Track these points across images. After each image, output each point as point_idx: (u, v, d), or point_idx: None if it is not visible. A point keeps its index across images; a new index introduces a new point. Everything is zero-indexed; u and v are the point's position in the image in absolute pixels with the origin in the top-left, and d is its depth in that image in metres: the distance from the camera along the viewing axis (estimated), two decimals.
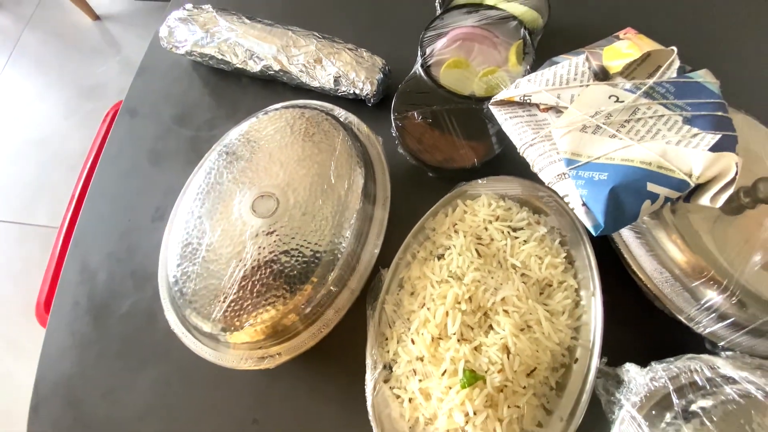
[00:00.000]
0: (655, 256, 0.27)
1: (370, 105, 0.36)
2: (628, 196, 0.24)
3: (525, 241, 0.29)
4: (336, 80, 0.35)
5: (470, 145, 0.32)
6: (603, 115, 0.26)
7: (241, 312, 0.24)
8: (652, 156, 0.24)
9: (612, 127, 0.26)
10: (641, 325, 0.29)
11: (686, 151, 0.24)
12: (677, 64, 0.28)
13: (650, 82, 0.27)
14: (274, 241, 0.25)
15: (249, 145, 0.28)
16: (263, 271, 0.25)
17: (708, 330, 0.26)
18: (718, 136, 0.24)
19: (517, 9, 0.35)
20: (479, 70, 0.33)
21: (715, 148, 0.23)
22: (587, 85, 0.28)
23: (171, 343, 0.29)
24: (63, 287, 0.34)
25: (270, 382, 0.29)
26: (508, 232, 0.30)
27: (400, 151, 0.33)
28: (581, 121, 0.26)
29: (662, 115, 0.26)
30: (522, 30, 0.33)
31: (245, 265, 0.25)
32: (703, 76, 0.27)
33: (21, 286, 1.00)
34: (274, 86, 0.38)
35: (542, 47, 0.36)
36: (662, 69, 0.27)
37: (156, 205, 0.35)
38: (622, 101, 0.27)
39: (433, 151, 0.32)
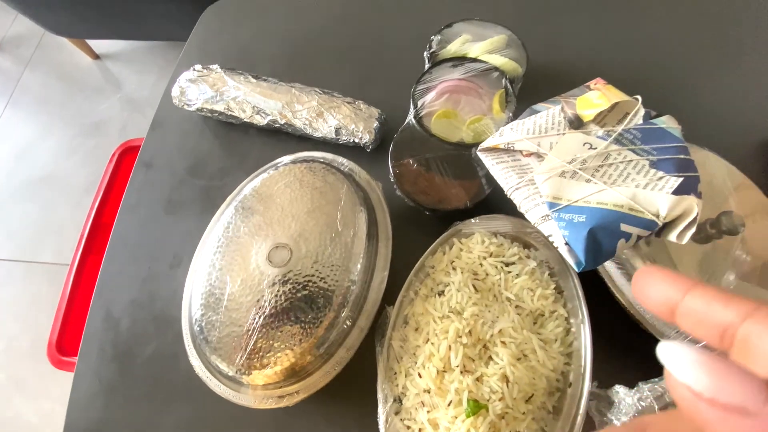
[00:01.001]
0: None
1: (368, 151, 0.39)
2: (604, 236, 0.27)
3: (517, 274, 0.32)
4: (337, 131, 0.38)
5: (462, 187, 0.35)
6: (579, 161, 0.29)
7: (262, 356, 0.27)
8: (624, 199, 0.27)
9: (587, 172, 0.29)
10: (629, 348, 0.32)
11: (653, 194, 0.27)
12: (642, 111, 0.31)
13: (619, 129, 0.30)
14: (289, 289, 0.28)
15: (262, 200, 0.31)
16: (281, 317, 0.27)
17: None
18: (680, 179, 0.27)
19: (498, 60, 0.39)
20: (466, 118, 0.36)
21: (678, 191, 0.27)
22: (564, 134, 0.31)
23: (193, 383, 0.32)
24: (88, 335, 0.36)
25: (290, 420, 0.31)
26: (502, 267, 0.32)
27: (398, 193, 0.36)
28: (560, 167, 0.30)
29: (631, 160, 0.29)
30: (503, 80, 0.37)
31: (264, 312, 0.27)
32: (666, 122, 0.31)
33: (29, 325, 1.01)
34: (280, 136, 0.41)
35: (523, 94, 0.40)
36: (629, 117, 0.31)
37: (174, 252, 0.38)
38: (595, 148, 0.30)
39: (429, 194, 0.35)
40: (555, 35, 0.45)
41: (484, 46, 0.40)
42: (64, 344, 0.71)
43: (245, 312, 0.28)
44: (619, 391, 0.28)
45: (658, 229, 0.27)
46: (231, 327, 0.28)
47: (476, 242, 0.33)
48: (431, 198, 0.35)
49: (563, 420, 0.28)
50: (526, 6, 0.47)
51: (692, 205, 0.26)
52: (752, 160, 0.38)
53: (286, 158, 0.35)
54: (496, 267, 0.32)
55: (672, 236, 0.27)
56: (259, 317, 0.27)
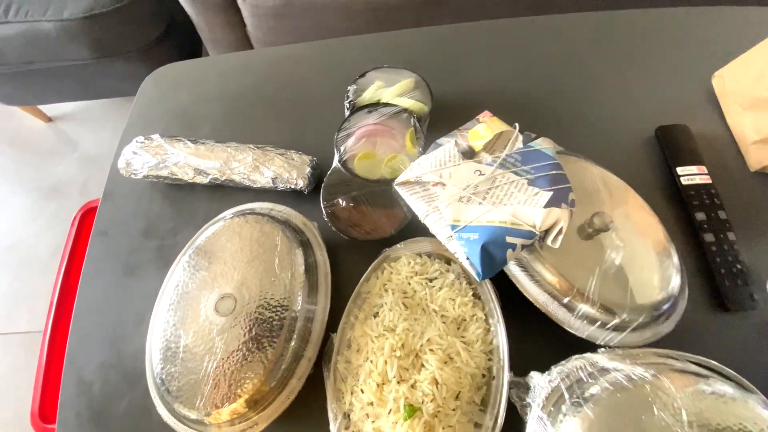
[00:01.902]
0: (536, 283, 0.35)
1: (306, 194, 0.44)
2: (495, 248, 0.32)
3: (440, 287, 0.37)
4: (274, 180, 0.42)
5: (388, 217, 0.40)
6: (472, 187, 0.35)
7: (219, 397, 0.30)
8: (507, 216, 0.32)
9: (479, 196, 0.34)
10: (541, 337, 0.36)
11: (529, 209, 0.32)
12: (520, 137, 0.37)
13: (503, 155, 0.36)
14: (237, 333, 0.32)
15: (206, 256, 0.35)
16: (232, 360, 0.31)
17: (585, 333, 0.34)
18: (551, 193, 0.32)
19: (407, 102, 0.44)
20: (384, 157, 0.42)
21: (548, 204, 0.32)
22: (458, 164, 0.36)
23: (166, 431, 0.35)
24: (64, 402, 0.38)
25: None
26: (426, 283, 0.37)
27: (334, 230, 0.41)
28: (458, 194, 0.35)
29: (513, 181, 0.35)
30: (412, 119, 0.43)
31: (216, 357, 0.31)
32: (541, 144, 0.36)
33: (11, 396, 0.99)
34: (225, 190, 0.45)
35: (432, 128, 0.45)
36: (509, 143, 0.36)
37: (136, 311, 0.41)
38: (484, 174, 0.35)
39: (360, 227, 0.40)
40: (455, 74, 0.52)
41: (395, 90, 0.45)
42: (46, 412, 0.71)
43: (199, 361, 0.31)
44: (534, 376, 0.33)
45: (540, 237, 0.33)
46: (188, 376, 0.31)
47: (403, 264, 0.38)
48: (362, 230, 0.40)
49: (490, 410, 0.33)
50: (430, 50, 0.54)
51: (559, 215, 0.31)
52: (625, 164, 0.45)
53: (228, 212, 0.40)
54: (422, 283, 0.37)
55: (548, 241, 0.32)
56: (212, 363, 0.31)
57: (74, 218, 0.87)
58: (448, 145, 0.37)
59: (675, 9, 0.55)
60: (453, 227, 0.34)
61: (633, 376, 0.30)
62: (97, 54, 0.90)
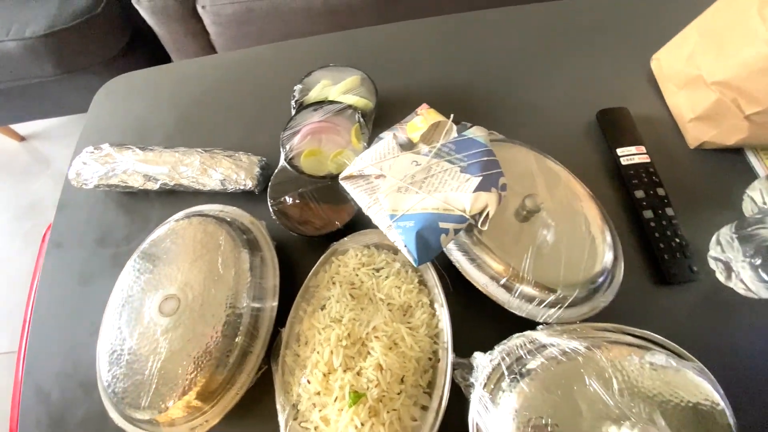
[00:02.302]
0: (477, 266, 0.36)
1: (257, 193, 0.44)
2: (429, 234, 0.33)
3: (386, 276, 0.38)
4: (223, 182, 0.43)
5: (335, 212, 0.41)
6: (409, 177, 0.36)
7: (165, 396, 0.31)
8: (439, 203, 0.33)
9: (415, 185, 0.35)
10: (486, 319, 0.37)
11: (459, 195, 0.33)
12: (454, 128, 0.38)
13: (438, 145, 0.37)
14: (181, 333, 0.32)
15: (151, 260, 0.35)
16: (177, 359, 0.31)
17: (525, 312, 0.35)
18: (480, 179, 0.33)
19: (351, 99, 0.45)
20: (330, 153, 0.43)
21: (478, 188, 0.33)
22: (396, 156, 0.37)
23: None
24: (24, 411, 0.39)
25: None
26: (373, 273, 0.38)
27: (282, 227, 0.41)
28: (396, 185, 0.36)
29: (447, 169, 0.35)
30: (356, 115, 0.43)
31: (161, 357, 0.31)
32: (474, 132, 0.38)
33: None
34: (177, 195, 0.46)
35: (378, 122, 0.46)
36: (444, 133, 0.37)
37: (91, 320, 0.41)
38: (421, 164, 0.36)
39: (308, 224, 0.40)
40: (402, 70, 0.53)
41: (341, 87, 0.46)
42: None
43: (144, 361, 0.32)
44: (477, 356, 0.34)
45: (475, 221, 0.34)
46: (133, 377, 0.31)
47: (351, 257, 0.39)
48: (311, 226, 0.41)
49: (435, 391, 0.34)
50: (377, 49, 0.55)
51: (487, 199, 0.33)
52: (569, 148, 0.46)
53: (176, 216, 0.40)
54: (369, 274, 0.38)
55: (479, 224, 0.33)
56: (157, 363, 0.31)
57: (44, 235, 0.86)
58: (387, 138, 0.38)
59: None
60: (392, 216, 0.35)
61: (568, 350, 0.31)
62: (62, 70, 0.90)
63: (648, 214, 0.42)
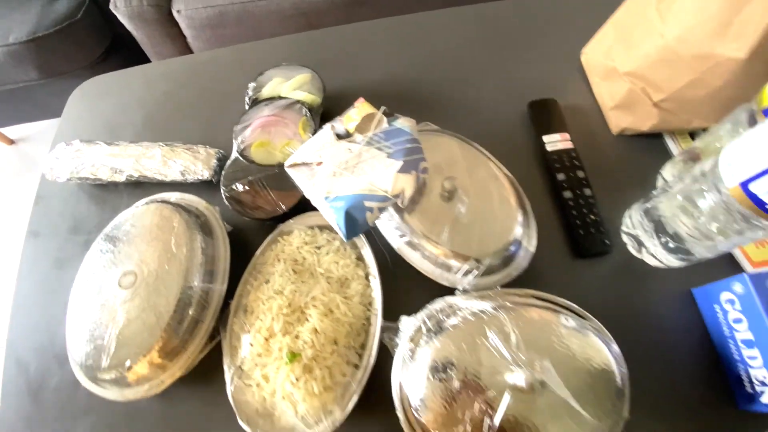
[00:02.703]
0: (408, 243, 0.40)
1: (214, 183, 0.48)
2: (356, 212, 0.37)
3: (327, 253, 0.42)
4: (183, 173, 0.47)
5: (282, 198, 0.45)
6: (342, 163, 0.40)
7: (122, 359, 0.35)
8: (365, 184, 0.38)
9: (348, 170, 0.40)
10: (415, 288, 0.41)
11: (383, 177, 0.37)
12: (385, 119, 0.42)
13: (370, 134, 0.41)
14: (138, 303, 0.36)
15: (113, 241, 0.40)
16: (132, 326, 0.36)
17: (446, 280, 0.40)
18: (401, 163, 0.38)
19: (300, 95, 0.49)
20: (279, 144, 0.47)
21: (399, 171, 0.37)
22: (333, 145, 0.41)
23: (93, 399, 0.40)
24: (6, 381, 0.43)
25: (168, 405, 0.40)
26: (315, 251, 0.42)
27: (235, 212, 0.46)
28: (332, 170, 0.40)
29: (375, 155, 0.40)
30: (304, 109, 0.48)
31: (119, 325, 0.36)
32: (401, 123, 0.42)
33: None
34: (142, 186, 0.50)
35: (326, 116, 0.50)
36: (375, 124, 0.42)
37: (65, 300, 0.44)
38: (354, 151, 0.40)
39: (257, 209, 0.45)
40: (352, 68, 0.57)
41: (291, 84, 0.50)
42: None
43: (104, 329, 0.36)
44: (403, 320, 0.39)
45: (401, 201, 0.38)
46: (95, 342, 0.36)
47: (295, 236, 0.43)
48: (261, 211, 0.45)
49: (366, 352, 0.38)
50: (327, 48, 0.59)
51: (404, 180, 0.37)
52: (503, 137, 0.51)
53: (138, 203, 0.44)
54: (311, 251, 0.42)
55: (399, 203, 0.37)
56: (115, 330, 0.36)
57: None
58: (326, 129, 0.43)
59: None
60: (326, 198, 0.39)
61: (477, 311, 0.36)
62: (45, 74, 0.94)
63: (567, 194, 0.46)
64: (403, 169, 0.38)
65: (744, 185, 0.30)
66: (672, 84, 0.42)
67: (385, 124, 0.42)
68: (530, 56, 0.57)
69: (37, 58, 0.90)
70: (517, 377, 0.32)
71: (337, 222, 0.38)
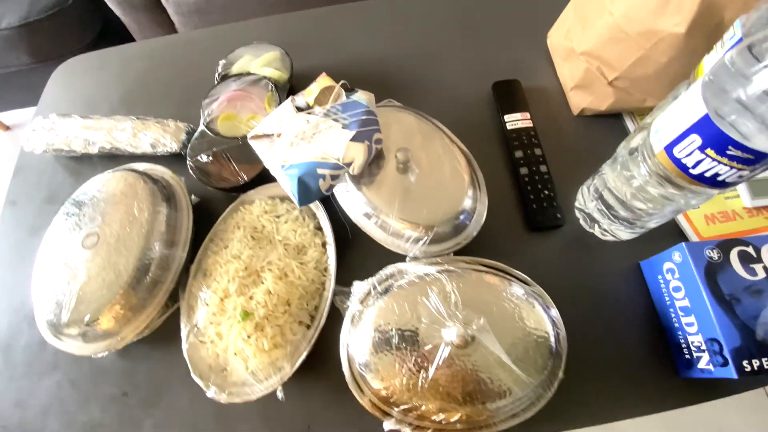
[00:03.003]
0: (365, 214, 0.42)
1: (183, 155, 0.50)
2: (309, 179, 0.39)
3: (286, 221, 0.44)
4: (152, 146, 0.49)
5: (245, 169, 0.46)
6: (300, 133, 0.41)
7: (82, 314, 0.37)
8: (319, 153, 0.39)
9: (305, 140, 0.41)
10: (371, 256, 0.43)
11: (335, 146, 0.39)
12: (343, 92, 0.44)
13: (328, 106, 0.43)
14: (98, 263, 0.38)
15: (78, 205, 0.41)
16: (92, 283, 0.37)
17: (398, 247, 0.41)
18: (353, 132, 0.39)
19: (267, 71, 0.51)
20: (244, 118, 0.48)
21: (353, 140, 0.39)
22: (292, 117, 0.43)
23: (59, 357, 0.42)
24: None
25: (129, 363, 0.42)
26: (274, 219, 0.44)
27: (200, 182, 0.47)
28: (289, 140, 0.42)
29: (332, 126, 0.41)
30: (270, 85, 0.49)
31: (79, 282, 0.37)
32: (358, 96, 0.43)
33: None
34: (116, 158, 0.51)
35: (292, 92, 0.52)
36: (333, 96, 0.43)
37: None
38: (311, 122, 0.42)
39: (220, 179, 0.46)
40: (323, 49, 0.59)
41: (260, 62, 0.52)
42: None
43: (66, 285, 0.38)
44: (355, 284, 0.40)
45: (346, 167, 0.39)
46: (56, 298, 0.38)
47: (256, 206, 0.45)
48: (225, 181, 0.46)
49: (318, 313, 0.40)
50: (300, 29, 0.61)
51: (354, 149, 0.38)
52: (468, 115, 0.52)
53: (108, 171, 0.46)
54: (270, 220, 0.44)
55: (350, 170, 0.39)
56: (75, 285, 0.37)
57: None
58: (287, 102, 0.44)
59: None
60: (282, 166, 0.40)
61: (422, 274, 0.37)
62: (37, 59, 0.96)
63: (524, 170, 0.48)
64: (356, 139, 0.39)
65: (668, 149, 0.31)
66: (623, 62, 0.43)
67: (343, 97, 0.43)
68: (499, 39, 0.58)
69: (29, 43, 0.92)
70: (453, 333, 0.33)
71: (291, 189, 0.39)
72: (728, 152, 0.27)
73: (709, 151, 0.28)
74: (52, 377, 0.42)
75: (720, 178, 0.29)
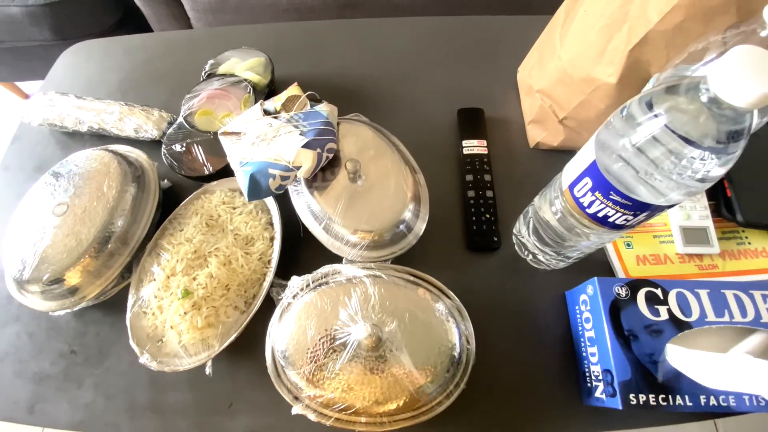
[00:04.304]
0: (310, 212, 0.45)
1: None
2: (260, 177, 0.42)
3: (240, 213, 0.47)
4: (135, 131, 0.53)
5: (211, 161, 0.50)
6: (262, 135, 0.45)
7: (42, 273, 0.41)
8: (273, 154, 0.43)
9: (265, 142, 0.45)
10: (315, 256, 0.46)
11: (288, 150, 0.43)
12: (307, 101, 0.47)
13: (291, 113, 0.46)
14: (64, 230, 0.42)
15: (56, 176, 0.46)
16: (55, 247, 0.42)
17: (338, 250, 0.44)
18: (307, 140, 0.43)
19: (248, 75, 0.55)
20: (219, 115, 0.53)
21: (304, 146, 0.43)
22: (258, 119, 0.47)
23: (21, 311, 0.46)
24: None
25: (82, 324, 0.46)
26: (230, 210, 0.48)
27: (174, 171, 0.51)
28: (251, 140, 0.45)
29: (291, 132, 0.45)
30: (249, 88, 0.53)
31: (44, 244, 0.42)
32: (321, 107, 0.47)
33: None
34: (104, 138, 0.56)
35: (269, 97, 0.56)
36: (298, 105, 0.47)
37: None
38: (273, 126, 0.46)
39: (189, 168, 0.50)
40: (304, 60, 0.63)
41: (245, 65, 0.56)
42: None
43: (32, 246, 0.42)
44: (293, 279, 0.43)
45: (295, 170, 0.43)
46: (22, 255, 0.42)
47: (216, 196, 0.49)
48: (193, 171, 0.50)
49: (254, 301, 0.43)
50: (288, 39, 0.65)
51: (304, 155, 0.42)
52: (432, 137, 0.56)
53: (89, 149, 0.50)
54: (226, 210, 0.48)
55: (299, 174, 0.43)
56: (40, 248, 0.41)
57: None
58: (256, 106, 0.48)
59: (494, 17, 0.66)
60: (240, 163, 0.44)
61: (352, 276, 0.41)
62: (59, 37, 1.03)
63: (471, 193, 0.51)
64: (308, 146, 0.43)
65: (570, 188, 0.34)
66: (569, 103, 0.46)
67: (307, 107, 0.47)
68: (473, 68, 0.62)
69: (53, 21, 0.99)
70: (364, 331, 0.36)
71: (243, 184, 0.43)
72: (611, 197, 0.30)
73: (597, 194, 0.31)
74: (13, 328, 0.46)
75: (610, 220, 0.32)
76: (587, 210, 0.33)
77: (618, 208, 0.30)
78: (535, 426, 0.42)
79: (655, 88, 0.26)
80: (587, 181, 0.31)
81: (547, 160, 0.55)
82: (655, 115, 0.25)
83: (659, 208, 0.29)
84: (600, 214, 0.32)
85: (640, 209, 0.29)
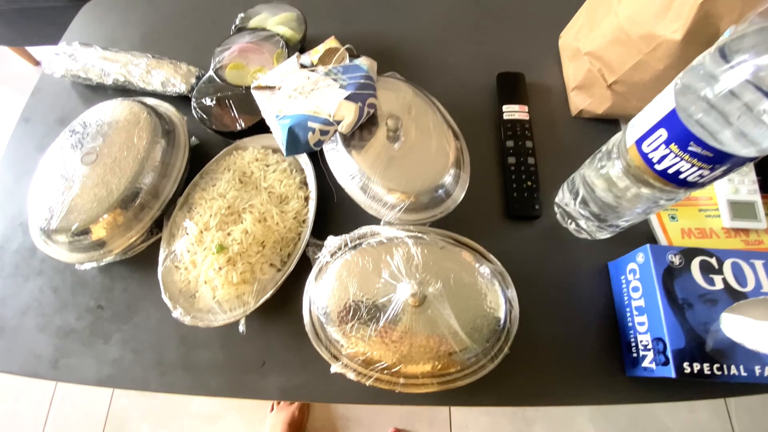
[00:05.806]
0: (350, 176, 0.43)
1: (191, 98, 0.52)
2: (299, 131, 0.41)
3: (274, 171, 0.46)
4: (163, 84, 0.51)
5: (243, 117, 0.48)
6: (299, 88, 0.43)
7: (71, 222, 0.39)
8: (312, 107, 0.41)
9: (303, 95, 0.43)
10: (351, 217, 0.45)
11: (329, 102, 0.41)
12: (347, 55, 0.45)
13: (330, 66, 0.44)
14: (93, 179, 0.40)
15: (84, 125, 0.44)
16: (85, 196, 0.40)
17: (376, 211, 0.42)
18: (348, 93, 0.41)
19: (281, 29, 0.53)
20: (251, 69, 0.50)
21: (346, 99, 0.41)
22: (294, 72, 0.45)
23: (45, 264, 0.45)
24: None
25: (108, 280, 0.44)
26: (264, 167, 0.46)
27: (203, 126, 0.49)
28: (288, 93, 0.43)
29: (330, 85, 0.43)
30: (281, 42, 0.51)
31: (73, 193, 0.40)
32: (361, 61, 0.45)
33: None
34: (129, 92, 0.54)
35: (304, 50, 0.54)
36: (336, 58, 0.45)
37: None
38: (311, 79, 0.44)
39: (220, 123, 0.48)
40: (338, 17, 0.60)
41: (276, 20, 0.54)
42: None
43: (60, 195, 0.40)
44: (329, 238, 0.42)
45: (336, 124, 0.41)
46: (49, 204, 0.40)
47: (249, 152, 0.47)
48: (223, 126, 0.48)
49: (290, 259, 0.42)
50: None
51: (346, 108, 0.40)
52: (470, 100, 0.54)
53: (116, 99, 0.48)
54: (260, 168, 0.46)
55: (340, 128, 0.41)
56: (69, 197, 0.40)
57: None
58: (292, 59, 0.46)
59: None
60: (277, 116, 0.42)
61: (392, 237, 0.39)
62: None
63: (512, 160, 0.49)
64: (349, 99, 0.41)
65: (638, 143, 0.32)
66: (622, 65, 0.44)
67: (346, 60, 0.45)
68: (513, 33, 0.59)
69: None
70: (407, 289, 0.35)
71: (281, 137, 0.41)
72: (689, 148, 0.28)
73: (673, 146, 0.29)
74: (35, 282, 0.45)
75: (682, 176, 0.30)
76: (656, 166, 0.31)
77: (695, 161, 0.28)
78: (576, 393, 0.40)
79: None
80: (661, 133, 0.29)
81: (589, 128, 0.52)
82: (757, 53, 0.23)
83: (741, 161, 0.27)
84: (671, 170, 0.30)
85: (720, 161, 0.27)
